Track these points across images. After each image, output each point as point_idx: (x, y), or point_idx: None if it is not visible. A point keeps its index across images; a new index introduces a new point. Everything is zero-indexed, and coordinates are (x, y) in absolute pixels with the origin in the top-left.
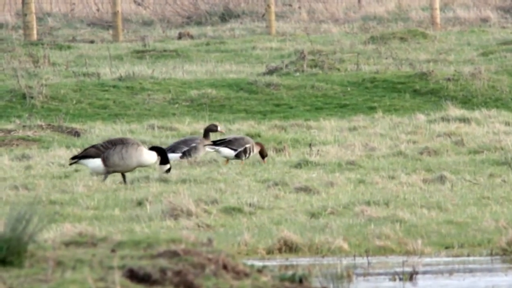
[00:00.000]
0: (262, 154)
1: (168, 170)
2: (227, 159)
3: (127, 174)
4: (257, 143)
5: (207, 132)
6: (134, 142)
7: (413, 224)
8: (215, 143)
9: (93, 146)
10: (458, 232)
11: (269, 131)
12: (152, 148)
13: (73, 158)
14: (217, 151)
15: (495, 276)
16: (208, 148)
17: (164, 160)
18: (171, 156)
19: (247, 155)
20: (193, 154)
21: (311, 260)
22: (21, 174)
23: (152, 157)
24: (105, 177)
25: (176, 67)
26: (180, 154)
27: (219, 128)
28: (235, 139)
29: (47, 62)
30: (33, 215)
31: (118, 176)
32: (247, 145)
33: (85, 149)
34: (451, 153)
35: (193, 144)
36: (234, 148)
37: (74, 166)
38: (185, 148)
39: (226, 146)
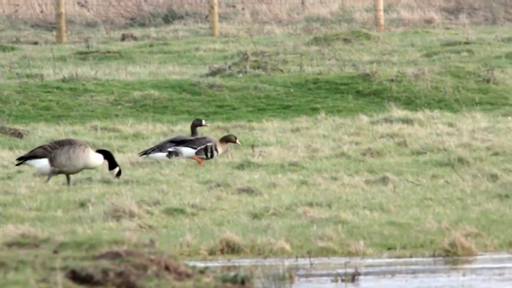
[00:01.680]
0: (233, 141)
1: (119, 173)
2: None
3: (71, 176)
4: (221, 141)
5: (193, 127)
6: (81, 143)
7: (356, 225)
8: (178, 143)
9: (40, 147)
10: (401, 233)
11: (212, 132)
12: (99, 151)
13: (19, 158)
14: (178, 151)
15: (437, 277)
16: (169, 149)
17: (112, 164)
18: (158, 155)
19: (209, 154)
20: (180, 154)
21: (253, 261)
22: None
23: (98, 160)
24: (49, 178)
25: (119, 69)
26: (166, 154)
27: (203, 122)
28: (196, 139)
29: None
30: None
31: (61, 177)
32: (209, 144)
33: (33, 150)
34: (394, 154)
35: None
36: (194, 147)
37: (17, 167)
38: (172, 148)
39: (186, 146)
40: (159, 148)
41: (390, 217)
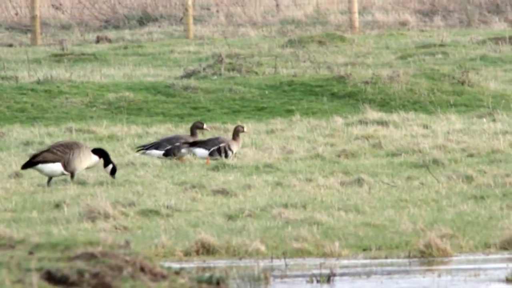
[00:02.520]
0: (240, 131)
1: (113, 171)
2: (206, 159)
3: (42, 176)
4: (234, 138)
5: (193, 129)
6: (84, 144)
7: (331, 227)
8: (191, 144)
9: (47, 151)
10: (376, 234)
11: (186, 134)
12: (94, 151)
13: (26, 164)
14: (192, 152)
15: (412, 278)
16: (183, 150)
17: (106, 161)
18: (154, 152)
19: (223, 154)
20: (177, 153)
21: (228, 262)
22: None
23: (94, 158)
24: (49, 180)
25: (94, 71)
26: (163, 152)
27: (204, 126)
28: (209, 140)
29: None
30: None
31: (36, 178)
32: (221, 144)
33: (38, 154)
34: (369, 156)
35: (177, 143)
36: (207, 147)
37: None
38: (168, 147)
39: (199, 147)
40: (156, 146)
41: (365, 218)
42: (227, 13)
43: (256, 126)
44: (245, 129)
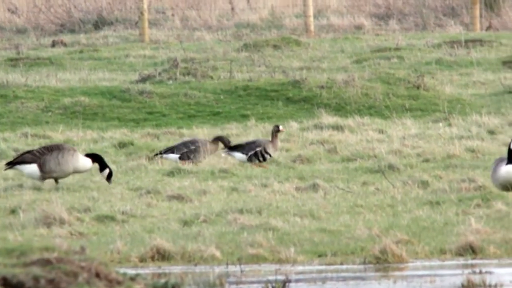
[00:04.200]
0: (275, 131)
1: (110, 175)
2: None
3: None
4: (271, 140)
5: (217, 140)
6: (70, 148)
7: (286, 232)
8: (230, 148)
9: (28, 152)
10: (331, 240)
11: (142, 139)
12: (88, 155)
13: (8, 163)
14: (231, 155)
15: (368, 285)
16: (223, 154)
17: (102, 166)
18: (171, 156)
19: (261, 158)
20: (194, 157)
21: (183, 268)
22: None
23: (87, 163)
24: (43, 180)
25: (49, 75)
26: (179, 156)
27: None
28: (246, 144)
29: None
30: None
31: None
32: (257, 149)
33: (21, 155)
34: (324, 161)
35: (193, 147)
36: (245, 152)
37: None
38: (185, 150)
39: (238, 151)
40: (172, 150)
41: (320, 224)
42: (182, 17)
43: (211, 131)
44: (280, 128)
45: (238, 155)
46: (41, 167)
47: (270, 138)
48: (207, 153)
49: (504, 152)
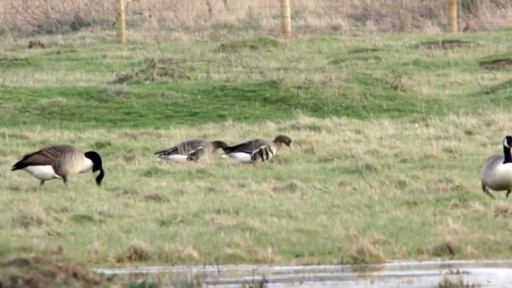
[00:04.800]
0: (286, 142)
1: (100, 177)
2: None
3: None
4: (275, 141)
5: (278, 141)
6: (79, 149)
7: (263, 233)
8: (231, 149)
9: (39, 153)
10: (308, 240)
11: (119, 139)
12: (87, 154)
13: (17, 164)
14: (233, 156)
15: (345, 285)
16: (224, 155)
17: (96, 166)
18: (178, 157)
19: (264, 157)
20: (200, 157)
21: (161, 268)
22: None
23: (90, 164)
24: (42, 182)
25: (26, 76)
26: (186, 157)
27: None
28: (249, 142)
29: None
30: None
31: None
32: (262, 147)
33: (30, 156)
34: (302, 161)
35: (200, 147)
36: (249, 151)
37: None
38: (191, 150)
39: (240, 151)
40: (176, 150)
41: (298, 224)
42: (159, 18)
43: (189, 131)
44: (291, 146)
45: (241, 155)
46: (55, 168)
47: (272, 139)
48: (210, 154)
49: (482, 152)
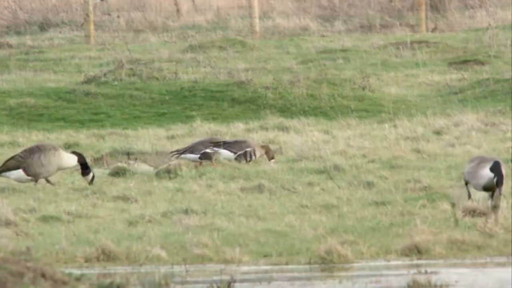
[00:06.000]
0: (268, 156)
1: (92, 179)
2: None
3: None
4: (262, 146)
5: (265, 149)
6: (51, 147)
7: (231, 233)
8: (216, 144)
9: (12, 158)
10: (277, 240)
11: (87, 139)
12: (74, 153)
13: None
14: (216, 152)
15: (313, 285)
16: (208, 150)
17: (84, 170)
18: (189, 156)
19: (248, 159)
20: (212, 156)
21: (129, 268)
22: None
23: (72, 160)
24: (36, 182)
25: None
26: (198, 155)
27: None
28: (236, 142)
29: None
30: None
31: None
32: (248, 149)
33: (5, 162)
34: (270, 161)
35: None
36: (234, 151)
37: None
38: (203, 150)
39: (225, 149)
40: (191, 149)
41: (266, 224)
42: (127, 19)
43: (157, 131)
44: (272, 162)
45: (226, 152)
46: (26, 171)
47: (260, 144)
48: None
49: (450, 153)
